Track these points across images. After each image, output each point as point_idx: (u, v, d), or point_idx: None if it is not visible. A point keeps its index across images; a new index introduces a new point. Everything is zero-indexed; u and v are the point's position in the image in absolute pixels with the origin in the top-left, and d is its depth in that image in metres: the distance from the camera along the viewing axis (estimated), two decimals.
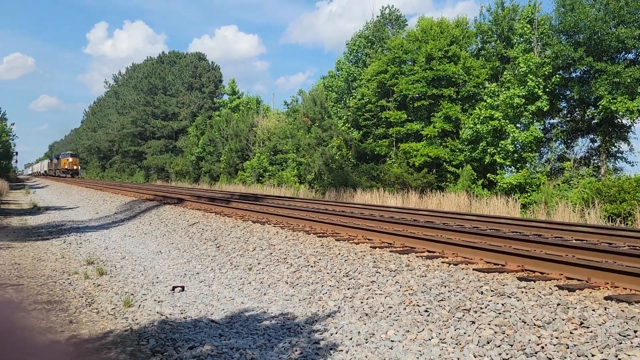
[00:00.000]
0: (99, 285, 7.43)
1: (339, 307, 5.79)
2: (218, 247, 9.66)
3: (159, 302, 6.56)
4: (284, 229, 9.79)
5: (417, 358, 4.28)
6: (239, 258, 8.59)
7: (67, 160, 66.30)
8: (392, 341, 4.68)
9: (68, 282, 7.63)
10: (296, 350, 4.78)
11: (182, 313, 6.09)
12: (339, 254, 7.40)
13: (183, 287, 7.23)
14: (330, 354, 4.66)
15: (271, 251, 8.41)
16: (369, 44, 32.19)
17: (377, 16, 33.72)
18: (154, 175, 59.78)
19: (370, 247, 7.57)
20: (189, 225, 12.14)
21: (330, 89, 33.61)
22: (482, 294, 5.02)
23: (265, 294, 6.73)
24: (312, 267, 7.21)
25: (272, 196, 24.13)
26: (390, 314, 5.23)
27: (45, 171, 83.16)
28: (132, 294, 6.85)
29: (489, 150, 21.59)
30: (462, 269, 5.89)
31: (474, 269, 5.81)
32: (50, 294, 6.94)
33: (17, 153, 64.54)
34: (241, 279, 7.53)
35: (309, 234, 9.08)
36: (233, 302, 6.51)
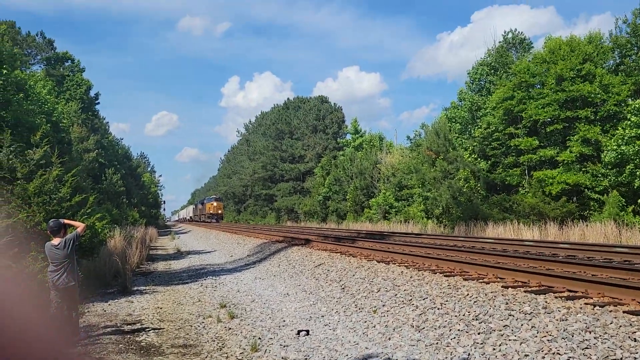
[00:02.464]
0: (230, 328, 7.70)
1: (469, 354, 5.37)
2: (343, 288, 9.60)
3: (284, 346, 6.60)
4: (409, 269, 9.48)
5: None
6: (364, 300, 8.44)
7: (212, 204, 64.81)
8: None
9: (202, 325, 8.01)
10: None
11: (306, 358, 6.05)
12: (468, 294, 6.95)
13: (308, 331, 7.22)
14: None
15: (396, 292, 8.15)
16: (492, 70, 31.09)
17: (500, 41, 32.61)
18: (284, 216, 62.17)
19: (502, 286, 7.02)
20: (315, 266, 12.27)
21: (454, 120, 32.80)
22: (635, 341, 4.36)
23: (390, 339, 6.48)
24: (438, 309, 6.84)
25: (398, 233, 23.77)
26: None
27: (190, 217, 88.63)
28: (260, 338, 6.98)
29: (638, 173, 19.41)
30: (610, 311, 5.19)
31: (624, 312, 5.10)
32: (186, 337, 7.32)
33: (164, 202, 70.84)
34: (365, 322, 7.35)
35: (435, 273, 8.69)
36: (357, 347, 6.35)
